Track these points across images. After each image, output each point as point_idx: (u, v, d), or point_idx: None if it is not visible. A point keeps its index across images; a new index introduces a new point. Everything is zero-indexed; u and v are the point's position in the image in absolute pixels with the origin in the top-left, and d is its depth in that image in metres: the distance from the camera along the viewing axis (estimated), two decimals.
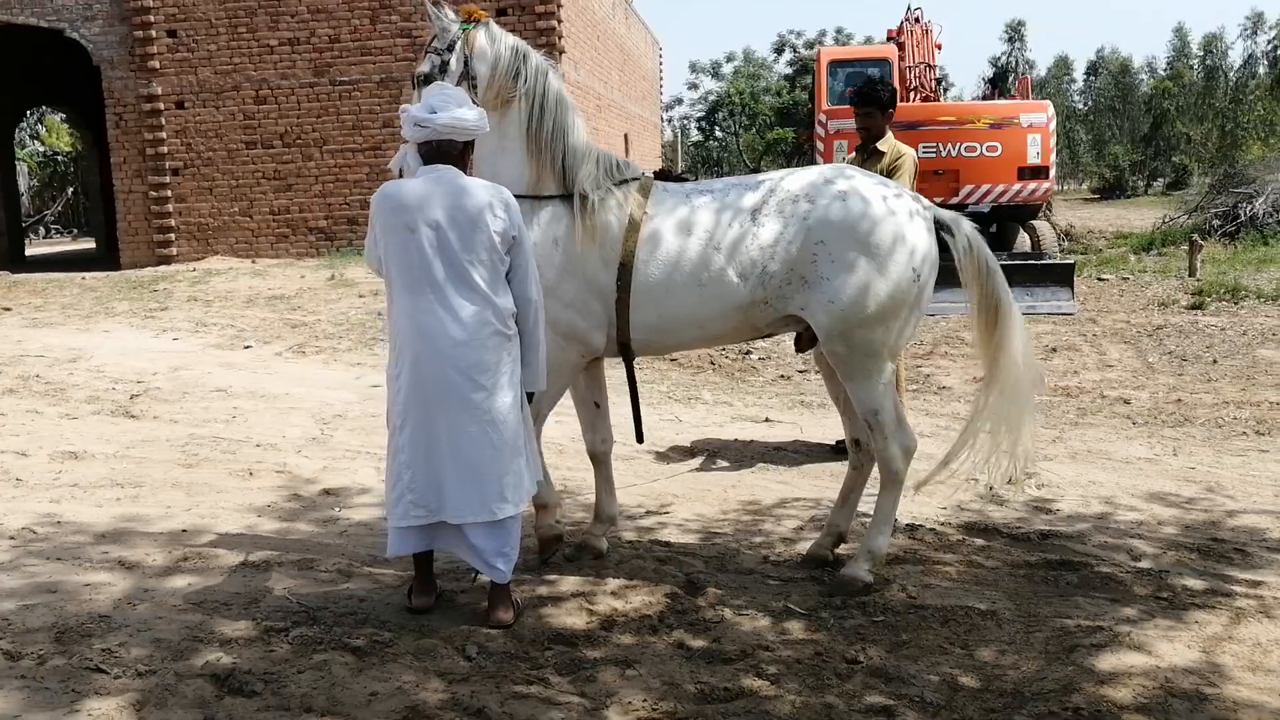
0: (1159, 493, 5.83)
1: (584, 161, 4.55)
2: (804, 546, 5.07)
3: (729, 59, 54.22)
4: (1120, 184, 57.57)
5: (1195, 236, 19.44)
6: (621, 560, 4.89)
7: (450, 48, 4.58)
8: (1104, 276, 15.44)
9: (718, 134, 56.80)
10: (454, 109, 4.00)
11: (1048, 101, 16.16)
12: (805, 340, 4.72)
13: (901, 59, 17.64)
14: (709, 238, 4.43)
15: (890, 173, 6.20)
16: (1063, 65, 70.42)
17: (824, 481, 6.20)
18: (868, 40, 48.32)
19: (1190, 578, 4.59)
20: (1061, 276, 12.14)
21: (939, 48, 19.17)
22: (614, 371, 5.87)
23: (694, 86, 55.02)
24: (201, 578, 4.69)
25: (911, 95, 17.27)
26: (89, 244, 29.93)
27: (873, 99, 6.54)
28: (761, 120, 49.98)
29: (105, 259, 20.21)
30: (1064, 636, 4.03)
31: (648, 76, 31.37)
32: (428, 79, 4.58)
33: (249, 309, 12.83)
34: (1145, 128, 65.05)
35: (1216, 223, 23.04)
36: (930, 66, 18.26)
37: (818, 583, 4.65)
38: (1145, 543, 5.05)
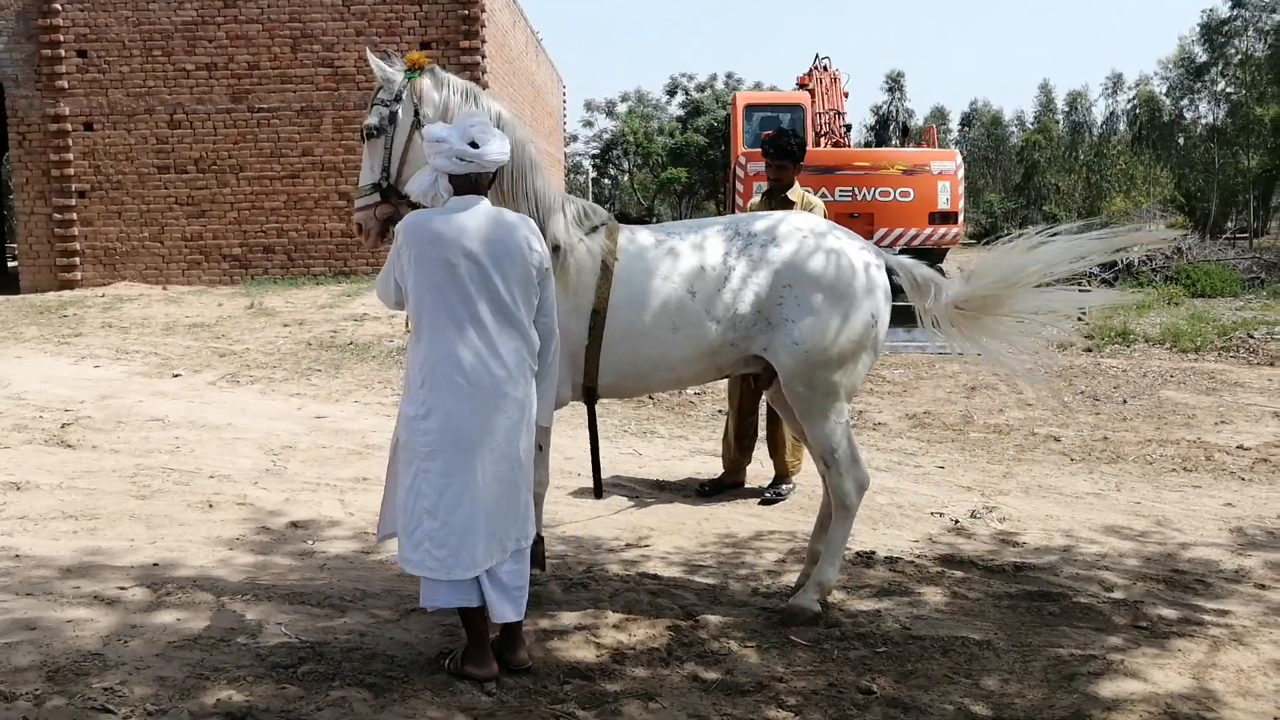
0: (1113, 526, 6.08)
1: (554, 210, 4.51)
2: (789, 578, 5.18)
3: (623, 99, 54.54)
4: (995, 230, 59.65)
5: (1083, 283, 20.36)
6: (615, 593, 4.92)
7: (397, 98, 4.52)
8: None
9: (611, 172, 57.29)
10: (494, 140, 3.96)
11: (956, 150, 16.75)
12: (765, 380, 4.86)
13: (812, 105, 18.09)
14: (683, 282, 4.48)
15: None
16: (939, 116, 72.94)
17: (794, 515, 6.33)
18: (757, 85, 49.38)
19: (1164, 607, 4.81)
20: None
21: (846, 95, 19.71)
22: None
23: (589, 124, 55.33)
24: (189, 613, 4.58)
25: (822, 141, 17.70)
26: None
27: (787, 152, 6.67)
28: (655, 160, 50.47)
29: (1, 283, 19.47)
30: (1061, 665, 4.19)
31: (553, 113, 31.57)
32: (377, 131, 4.53)
33: (169, 337, 12.51)
34: (1017, 178, 67.76)
35: (1096, 269, 24.16)
36: (839, 113, 18.74)
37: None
38: (1113, 574, 5.27)
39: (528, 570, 4.09)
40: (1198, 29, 52.85)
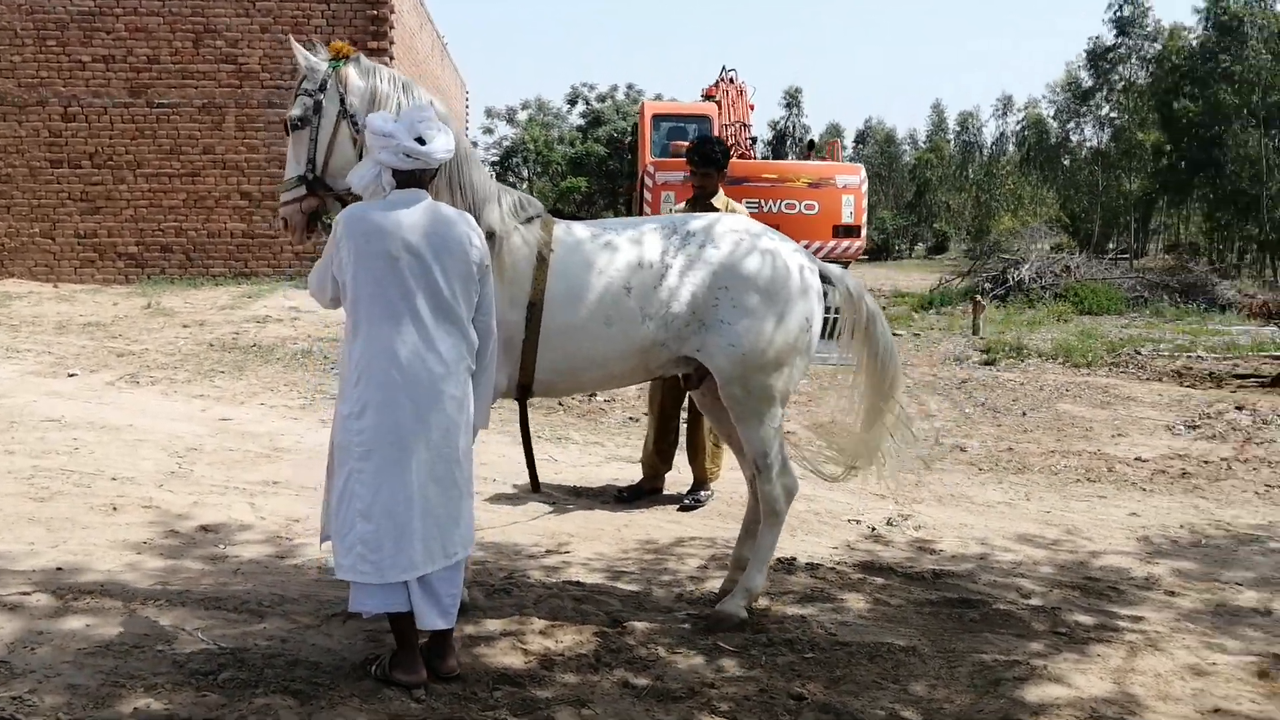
0: (1026, 535, 6.22)
1: (489, 198, 4.44)
2: (712, 584, 5.18)
3: (524, 107, 54.11)
4: (887, 247, 60.76)
5: (978, 298, 20.90)
6: (539, 599, 4.87)
7: (322, 87, 4.39)
8: (898, 333, 16.39)
9: (511, 180, 56.89)
10: (441, 137, 3.89)
11: (860, 165, 17.01)
12: (694, 380, 4.87)
13: (719, 117, 18.20)
14: (619, 277, 4.44)
15: None
16: (834, 132, 74.25)
17: (714, 521, 6.34)
18: (658, 96, 49.51)
19: (1080, 614, 4.92)
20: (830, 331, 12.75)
21: (752, 108, 19.89)
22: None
23: (489, 131, 54.77)
24: (99, 619, 4.41)
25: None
26: None
27: (711, 159, 6.68)
28: (555, 169, 50.29)
29: None
30: (986, 670, 4.25)
31: (457, 118, 31.25)
32: (301, 122, 4.39)
33: (63, 336, 12.06)
34: (909, 195, 69.28)
35: (988, 286, 24.78)
36: (745, 126, 18.87)
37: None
38: (1029, 581, 5.39)
39: (461, 578, 4.02)
40: (1084, 55, 54.49)
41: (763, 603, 4.90)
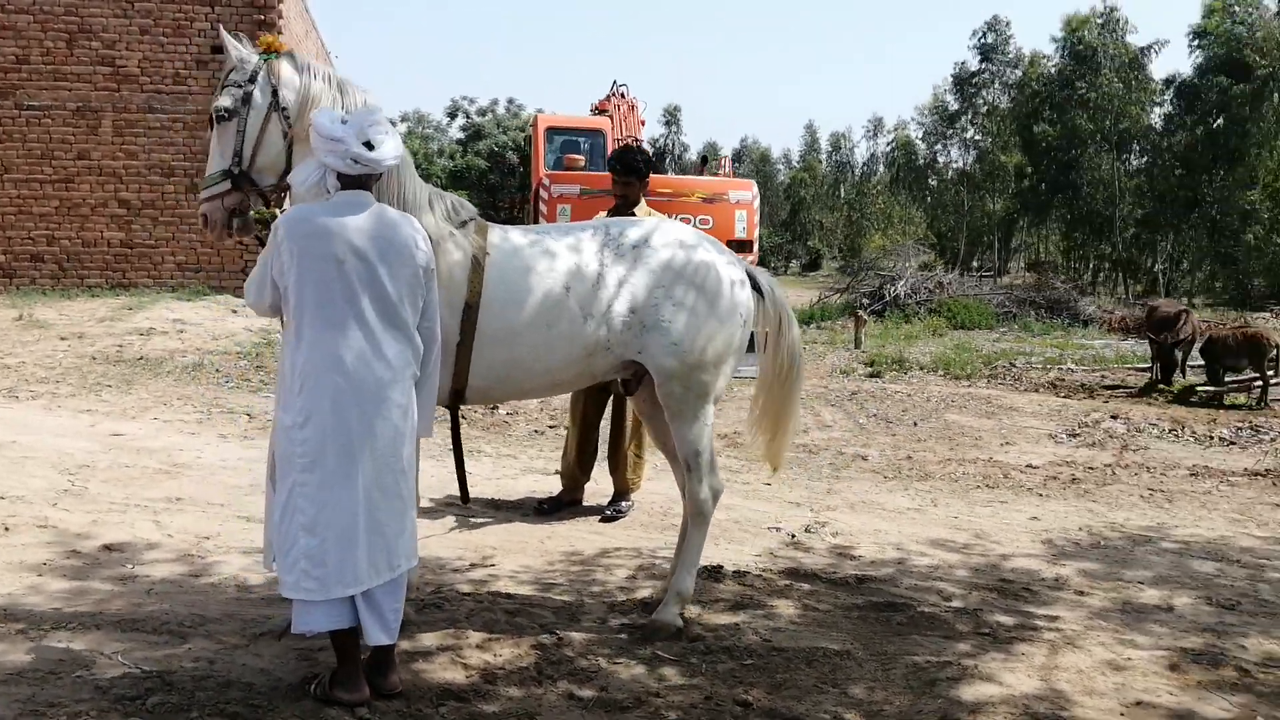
0: (938, 539, 6.36)
1: (422, 204, 4.37)
2: (642, 594, 5.17)
3: (403, 119, 53.53)
4: (763, 263, 61.90)
5: (860, 313, 21.41)
6: (471, 613, 4.80)
7: (252, 79, 4.26)
8: None
9: None
10: (389, 142, 3.79)
11: (753, 180, 17.23)
12: (634, 384, 4.90)
13: (611, 131, 18.25)
14: (558, 280, 4.42)
15: None
16: (712, 151, 75.35)
17: (636, 531, 6.33)
18: (539, 110, 49.41)
19: (1000, 615, 5.06)
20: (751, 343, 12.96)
21: (643, 124, 20.00)
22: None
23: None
24: (5, 645, 4.19)
25: None
26: None
27: (633, 169, 6.61)
28: (434, 181, 49.83)
29: None
30: (919, 672, 4.33)
31: None
32: (229, 114, 4.26)
33: None
34: (784, 213, 70.68)
35: (865, 301, 25.43)
36: (637, 140, 18.97)
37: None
38: (948, 584, 5.51)
39: (404, 591, 3.93)
40: (950, 79, 56.28)
41: (695, 610, 4.91)
